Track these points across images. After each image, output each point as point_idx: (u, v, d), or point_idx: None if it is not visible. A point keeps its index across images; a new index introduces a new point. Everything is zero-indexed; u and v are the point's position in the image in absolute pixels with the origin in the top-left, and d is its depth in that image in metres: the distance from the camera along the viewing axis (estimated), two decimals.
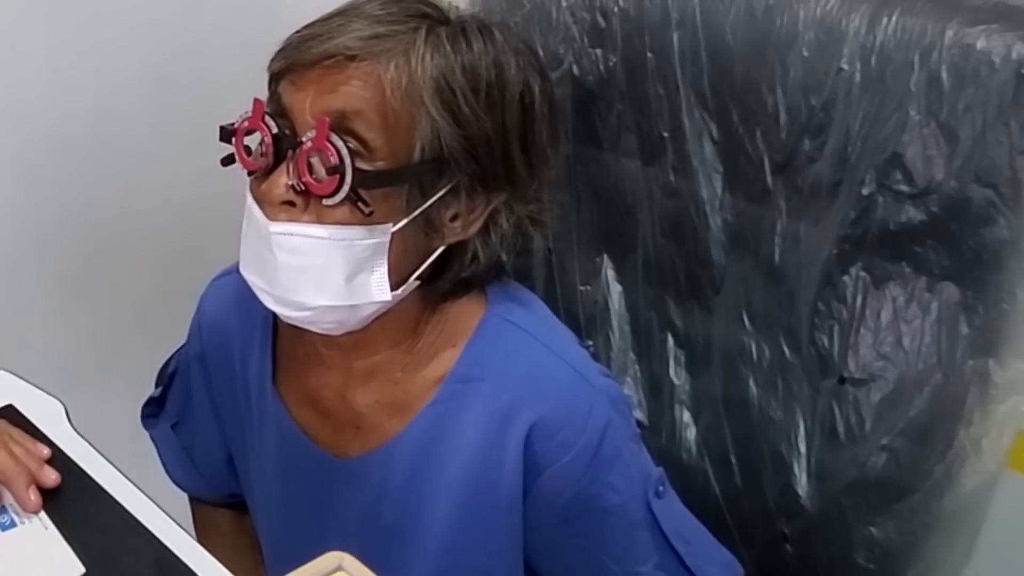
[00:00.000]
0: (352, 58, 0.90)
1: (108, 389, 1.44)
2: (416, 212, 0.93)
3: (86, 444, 1.11)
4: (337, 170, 0.89)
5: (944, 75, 0.97)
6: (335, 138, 0.89)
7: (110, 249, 1.59)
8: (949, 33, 0.97)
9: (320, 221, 0.91)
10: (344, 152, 0.89)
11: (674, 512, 1.06)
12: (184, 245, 1.59)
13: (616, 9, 1.16)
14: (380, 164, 0.91)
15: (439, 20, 0.95)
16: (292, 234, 0.91)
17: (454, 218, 0.96)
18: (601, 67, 1.18)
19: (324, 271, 0.92)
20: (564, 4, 1.20)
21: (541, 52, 1.22)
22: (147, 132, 1.55)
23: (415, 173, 0.92)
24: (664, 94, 1.14)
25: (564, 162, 1.23)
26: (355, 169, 0.89)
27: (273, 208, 0.92)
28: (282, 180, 0.91)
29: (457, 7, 0.98)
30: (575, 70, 1.20)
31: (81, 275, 1.59)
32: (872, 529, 1.06)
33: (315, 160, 0.90)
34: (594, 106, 1.20)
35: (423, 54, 0.91)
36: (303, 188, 0.90)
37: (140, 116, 1.55)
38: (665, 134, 1.15)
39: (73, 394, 1.18)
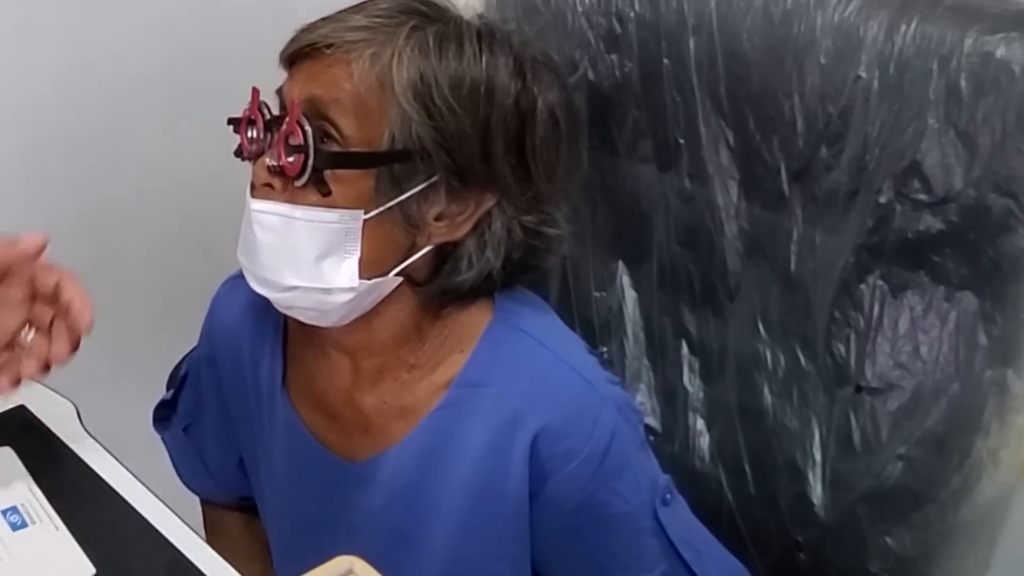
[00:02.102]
0: (330, 46, 0.93)
1: (121, 390, 1.44)
2: (390, 203, 0.94)
3: (98, 445, 1.11)
4: (300, 149, 0.92)
5: (963, 83, 0.96)
6: (303, 120, 0.92)
7: (123, 250, 1.59)
8: (968, 41, 0.96)
9: (293, 202, 0.93)
10: (309, 132, 0.92)
11: (682, 520, 1.05)
12: (198, 246, 1.58)
13: (632, 14, 1.16)
14: (352, 151, 0.93)
15: (432, 18, 0.96)
16: (267, 212, 0.94)
17: (439, 217, 0.97)
18: (617, 73, 1.18)
19: (295, 251, 0.94)
20: (580, 9, 1.20)
21: (556, 57, 1.21)
22: (160, 132, 1.55)
23: (381, 160, 0.93)
24: (680, 100, 1.14)
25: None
26: (317, 149, 0.92)
27: (257, 190, 0.95)
28: (264, 162, 0.94)
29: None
30: (590, 75, 1.20)
31: (94, 276, 1.58)
32: (887, 539, 1.05)
33: (289, 138, 0.93)
34: (609, 112, 1.19)
35: (401, 47, 0.93)
36: (278, 169, 0.93)
37: (154, 116, 1.54)
38: (681, 140, 1.15)
39: (86, 395, 1.18)
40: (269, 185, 0.94)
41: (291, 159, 0.92)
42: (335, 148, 0.93)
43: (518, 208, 0.99)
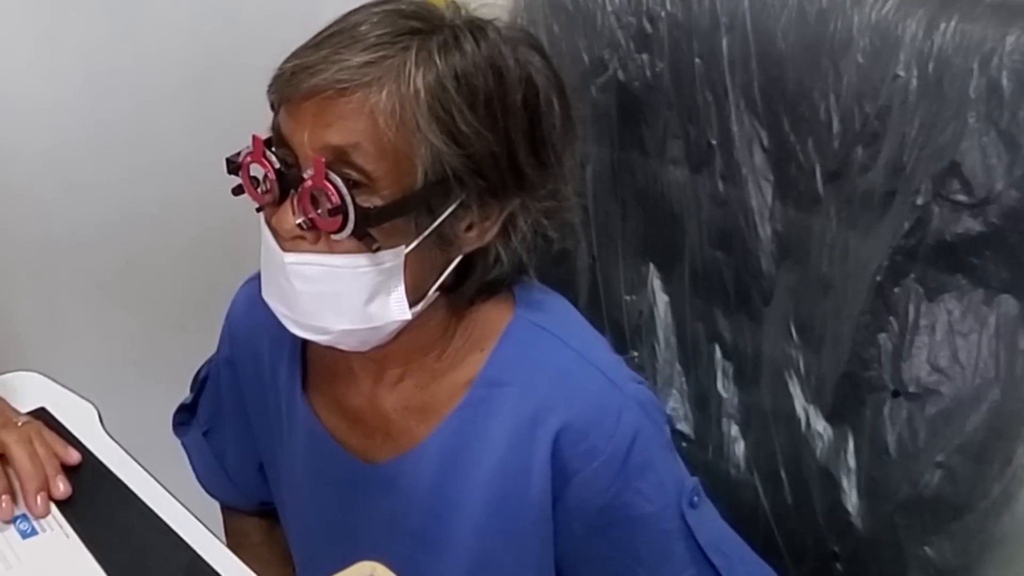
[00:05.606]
0: (343, 91, 0.89)
1: (145, 394, 1.44)
2: (427, 232, 0.92)
3: (118, 448, 1.11)
4: (339, 210, 0.88)
5: (1005, 81, 0.94)
6: (334, 177, 0.88)
7: (147, 254, 1.59)
8: (1010, 38, 0.94)
9: (332, 251, 0.91)
10: (344, 192, 0.88)
11: (710, 524, 1.03)
12: (220, 251, 1.58)
13: (663, 14, 1.15)
14: (385, 194, 0.90)
15: (430, 31, 0.92)
16: (307, 264, 0.91)
17: (468, 228, 0.95)
18: (648, 73, 1.17)
19: (342, 297, 0.92)
20: (610, 9, 1.19)
21: (586, 58, 1.20)
22: (184, 137, 1.55)
23: (420, 199, 0.91)
24: (712, 100, 1.12)
25: (609, 169, 1.22)
26: (357, 207, 0.88)
27: (285, 240, 0.92)
28: (289, 216, 0.91)
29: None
30: (621, 76, 1.19)
31: (118, 280, 1.59)
32: (927, 549, 1.02)
33: (319, 195, 0.89)
34: (640, 113, 1.18)
35: (414, 77, 0.89)
36: (310, 224, 0.90)
37: (177, 122, 1.55)
38: (714, 141, 1.13)
39: (109, 398, 1.18)
40: (300, 236, 0.91)
41: (328, 218, 0.89)
42: (365, 196, 0.89)
43: (539, 199, 0.98)
